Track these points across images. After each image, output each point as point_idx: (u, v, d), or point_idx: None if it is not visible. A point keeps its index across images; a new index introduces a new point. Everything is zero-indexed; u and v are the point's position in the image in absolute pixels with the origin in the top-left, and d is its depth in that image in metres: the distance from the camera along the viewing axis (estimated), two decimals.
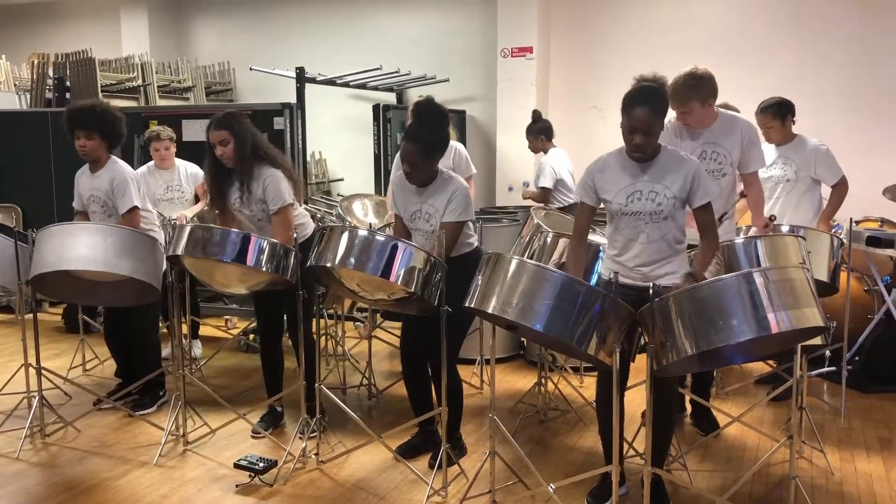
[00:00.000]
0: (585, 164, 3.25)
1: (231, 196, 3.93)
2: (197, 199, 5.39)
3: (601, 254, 3.58)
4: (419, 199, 3.59)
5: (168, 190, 5.35)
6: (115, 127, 4.18)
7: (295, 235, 3.71)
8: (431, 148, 3.49)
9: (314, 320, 3.85)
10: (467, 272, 3.15)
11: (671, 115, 3.69)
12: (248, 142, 3.84)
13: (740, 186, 3.92)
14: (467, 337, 5.09)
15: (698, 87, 3.60)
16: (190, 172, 5.41)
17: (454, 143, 4.93)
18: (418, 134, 3.49)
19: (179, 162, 5.42)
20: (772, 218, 3.86)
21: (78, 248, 3.70)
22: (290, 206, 3.88)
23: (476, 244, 3.72)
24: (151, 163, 5.40)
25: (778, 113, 4.53)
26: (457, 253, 3.54)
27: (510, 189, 7.09)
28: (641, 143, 2.98)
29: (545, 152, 6.12)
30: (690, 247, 3.23)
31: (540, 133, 6.16)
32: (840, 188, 4.54)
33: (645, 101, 2.96)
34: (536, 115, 6.28)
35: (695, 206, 3.06)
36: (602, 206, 3.19)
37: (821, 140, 4.59)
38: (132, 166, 5.04)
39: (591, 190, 3.15)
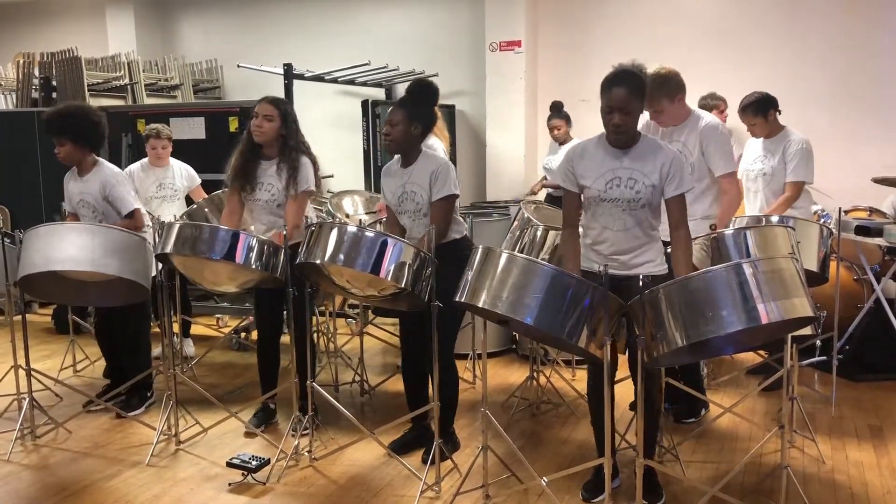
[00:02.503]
0: None
1: (256, 179, 3.97)
2: (189, 201, 5.37)
3: None
4: (403, 179, 3.62)
5: (160, 188, 5.32)
6: (89, 129, 4.12)
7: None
8: (415, 114, 3.56)
9: (311, 318, 3.85)
10: (457, 262, 3.19)
11: (645, 114, 3.75)
12: (295, 131, 3.97)
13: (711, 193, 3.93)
14: (460, 331, 5.12)
15: (664, 85, 3.71)
16: (185, 174, 5.39)
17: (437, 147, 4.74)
18: (404, 101, 3.61)
19: (174, 161, 5.40)
20: (712, 227, 3.85)
21: (66, 248, 3.68)
22: (310, 193, 3.97)
23: (465, 232, 3.75)
24: (145, 160, 5.36)
25: (759, 110, 4.49)
26: (446, 239, 3.55)
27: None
28: (619, 123, 2.99)
29: (566, 143, 6.26)
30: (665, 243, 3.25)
31: (569, 122, 6.33)
32: (792, 191, 4.40)
33: (622, 82, 2.98)
34: (561, 104, 6.43)
35: (667, 196, 3.06)
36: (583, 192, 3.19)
37: (806, 137, 4.51)
38: (120, 165, 5.03)
39: (571, 175, 3.16)
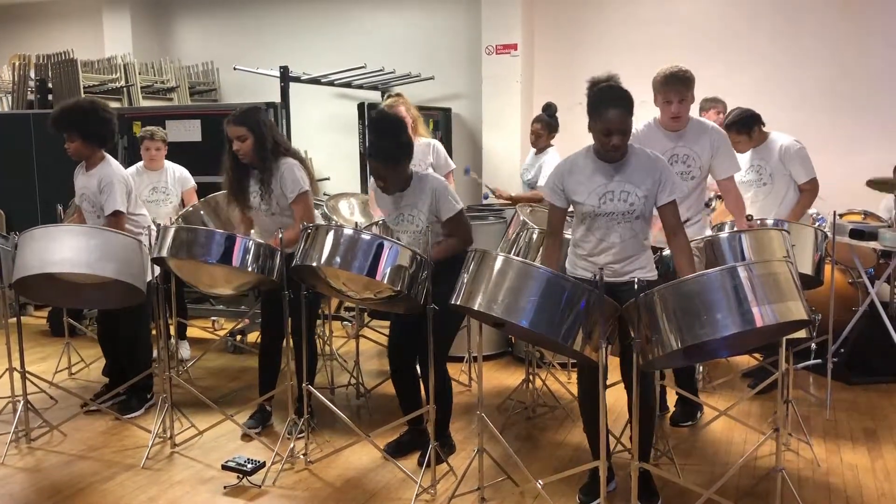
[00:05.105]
0: None
1: (251, 194, 3.95)
2: (183, 204, 5.36)
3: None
4: (398, 203, 3.60)
5: (153, 191, 5.32)
6: (98, 126, 4.12)
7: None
8: (395, 155, 3.47)
9: (312, 321, 3.83)
10: (454, 268, 3.16)
11: (650, 116, 3.74)
12: (268, 138, 3.88)
13: (709, 194, 3.93)
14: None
15: (691, 82, 3.69)
16: (178, 176, 5.39)
17: (432, 142, 5.02)
18: (378, 148, 3.48)
19: (169, 164, 5.40)
20: (749, 217, 3.86)
21: (61, 250, 3.67)
22: (308, 192, 3.91)
23: None
24: (141, 163, 5.37)
25: (742, 127, 4.44)
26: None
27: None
28: (619, 144, 2.99)
29: (544, 150, 6.00)
30: (654, 249, 3.26)
31: (552, 129, 6.00)
32: (809, 191, 4.48)
33: (616, 102, 2.97)
34: (554, 108, 5.99)
35: (661, 204, 3.07)
36: (571, 207, 3.19)
37: (796, 138, 4.52)
38: None
39: (560, 192, 3.15)
